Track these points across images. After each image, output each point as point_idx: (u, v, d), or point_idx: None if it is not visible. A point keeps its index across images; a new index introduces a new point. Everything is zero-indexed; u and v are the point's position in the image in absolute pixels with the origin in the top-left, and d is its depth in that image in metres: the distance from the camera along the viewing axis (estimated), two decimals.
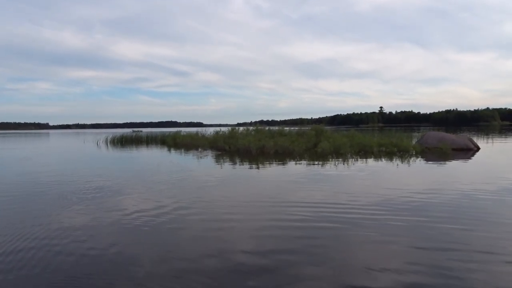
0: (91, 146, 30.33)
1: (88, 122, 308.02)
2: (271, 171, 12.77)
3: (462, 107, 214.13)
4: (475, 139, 25.96)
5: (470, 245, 4.80)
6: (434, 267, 4.11)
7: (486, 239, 5.05)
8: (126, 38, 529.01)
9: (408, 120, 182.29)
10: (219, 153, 20.09)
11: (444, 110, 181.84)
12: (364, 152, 18.34)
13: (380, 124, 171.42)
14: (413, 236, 5.24)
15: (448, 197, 7.75)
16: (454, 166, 13.41)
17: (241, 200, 7.91)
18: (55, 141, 45.94)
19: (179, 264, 4.29)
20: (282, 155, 17.86)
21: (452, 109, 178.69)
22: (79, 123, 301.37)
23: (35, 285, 3.79)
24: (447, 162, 14.37)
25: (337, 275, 3.94)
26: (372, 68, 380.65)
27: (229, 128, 27.18)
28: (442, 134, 20.50)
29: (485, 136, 35.02)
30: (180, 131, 34.46)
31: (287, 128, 26.57)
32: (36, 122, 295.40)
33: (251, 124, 27.06)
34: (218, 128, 30.96)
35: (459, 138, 20.06)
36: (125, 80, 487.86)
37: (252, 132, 24.41)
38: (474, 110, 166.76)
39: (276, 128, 26.14)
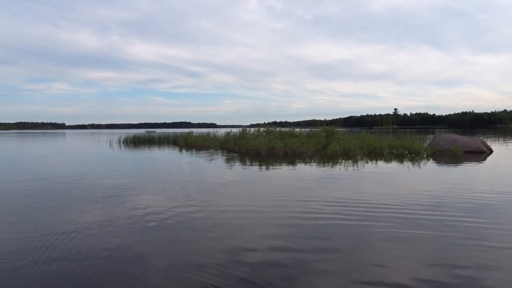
0: (104, 146, 30.83)
1: (103, 122, 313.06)
2: (281, 172, 12.82)
3: (479, 109, 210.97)
4: (490, 142, 25.60)
5: (486, 242, 4.92)
6: (448, 266, 4.19)
7: (502, 236, 5.18)
8: (141, 39, 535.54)
9: (423, 122, 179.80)
10: (229, 154, 20.21)
11: (460, 112, 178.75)
12: (374, 154, 18.27)
13: (394, 126, 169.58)
14: (428, 235, 5.32)
15: (460, 198, 7.75)
16: (465, 168, 13.23)
17: (253, 199, 8.01)
18: (70, 140, 46.78)
19: (198, 259, 4.48)
20: (291, 157, 17.91)
21: (468, 111, 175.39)
22: (95, 123, 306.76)
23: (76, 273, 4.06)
24: (458, 165, 14.20)
25: (352, 272, 4.05)
26: (387, 69, 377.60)
27: (240, 129, 27.33)
28: (454, 136, 20.23)
29: (501, 139, 34.38)
30: (192, 132, 34.79)
31: (298, 130, 26.57)
32: (53, 122, 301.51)
33: (264, 125, 27.06)
34: (230, 129, 31.15)
35: (472, 140, 19.77)
36: (140, 81, 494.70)
37: (263, 134, 24.51)
38: (491, 112, 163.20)
39: (287, 129, 26.16)
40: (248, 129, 27.21)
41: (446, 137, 20.14)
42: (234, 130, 28.85)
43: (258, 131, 25.75)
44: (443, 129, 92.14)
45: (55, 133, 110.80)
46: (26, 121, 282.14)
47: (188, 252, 4.74)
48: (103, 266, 4.30)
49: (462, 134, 24.82)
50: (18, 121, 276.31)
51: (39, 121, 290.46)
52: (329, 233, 5.47)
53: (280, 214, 6.65)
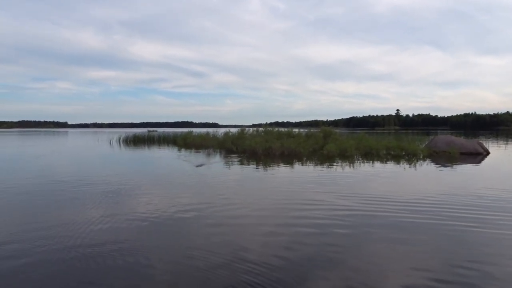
0: (104, 145, 30.97)
1: (106, 122, 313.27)
2: (275, 172, 12.88)
3: (481, 111, 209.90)
4: (489, 144, 25.54)
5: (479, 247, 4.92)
6: (446, 270, 4.20)
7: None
8: (144, 39, 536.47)
9: (425, 124, 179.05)
10: (227, 155, 20.25)
11: (462, 113, 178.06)
12: (370, 155, 18.30)
13: (396, 127, 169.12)
14: (428, 235, 5.42)
15: (455, 200, 7.81)
16: (457, 169, 13.24)
17: (248, 201, 7.97)
18: (72, 139, 46.94)
19: (200, 256, 4.54)
20: (288, 157, 17.96)
21: (470, 113, 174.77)
22: (97, 122, 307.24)
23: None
24: (451, 166, 14.20)
25: (350, 277, 3.97)
26: (390, 70, 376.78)
27: (239, 129, 27.45)
28: (451, 138, 20.24)
29: (502, 141, 34.26)
30: (192, 131, 34.85)
31: (296, 130, 26.63)
32: (55, 120, 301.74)
33: (265, 125, 27.19)
34: (228, 129, 31.20)
35: (468, 142, 19.77)
36: (143, 80, 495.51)
37: (261, 134, 24.56)
38: (494, 114, 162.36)
39: (285, 129, 26.23)
40: (247, 129, 27.32)
41: (443, 139, 20.15)
42: (234, 130, 28.92)
43: (257, 131, 25.83)
44: (445, 131, 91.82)
45: (57, 131, 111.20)
46: (28, 119, 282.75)
47: (190, 249, 4.80)
48: (108, 259, 4.44)
49: (463, 136, 24.81)
50: (20, 120, 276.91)
51: (42, 120, 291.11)
52: (329, 232, 5.55)
53: (276, 213, 6.75)
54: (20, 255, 4.56)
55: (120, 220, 6.18)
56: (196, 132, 34.34)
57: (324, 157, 17.55)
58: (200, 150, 23.15)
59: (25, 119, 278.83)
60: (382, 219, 6.27)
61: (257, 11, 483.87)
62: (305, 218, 6.32)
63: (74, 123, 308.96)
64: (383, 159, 16.74)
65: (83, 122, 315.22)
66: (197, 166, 14.13)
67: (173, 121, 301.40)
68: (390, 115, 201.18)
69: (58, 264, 4.31)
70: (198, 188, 9.45)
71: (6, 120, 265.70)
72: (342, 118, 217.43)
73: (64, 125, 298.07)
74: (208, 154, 20.08)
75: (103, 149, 26.10)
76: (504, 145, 27.40)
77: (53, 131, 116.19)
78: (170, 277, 4.00)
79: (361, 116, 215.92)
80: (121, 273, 4.08)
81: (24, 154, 22.33)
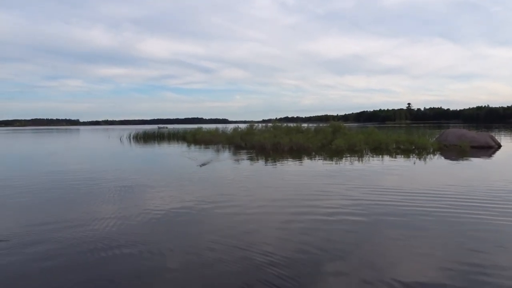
0: (114, 141, 31.32)
1: (117, 119, 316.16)
2: (284, 167, 12.91)
3: (494, 104, 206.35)
4: (503, 137, 25.19)
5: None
6: (457, 258, 4.20)
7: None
8: (154, 36, 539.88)
9: (438, 117, 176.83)
10: (236, 150, 20.33)
11: (475, 106, 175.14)
12: (380, 149, 18.20)
13: (408, 121, 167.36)
14: (440, 229, 5.31)
15: (464, 190, 7.85)
16: (468, 163, 13.11)
17: (260, 194, 8.03)
18: (84, 136, 47.66)
19: (210, 251, 4.53)
20: (296, 152, 17.97)
21: (483, 106, 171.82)
22: (108, 120, 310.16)
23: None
24: (462, 160, 14.07)
25: (363, 271, 3.93)
26: (401, 63, 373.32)
27: (248, 124, 27.49)
28: (462, 131, 20.02)
29: None
30: (201, 127, 35.02)
31: (305, 125, 26.57)
32: (67, 118, 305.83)
33: (275, 120, 27.22)
34: (237, 125, 31.28)
35: (479, 135, 19.52)
36: (153, 77, 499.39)
37: (270, 129, 24.58)
38: (507, 106, 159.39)
39: (294, 124, 26.19)
40: (256, 124, 27.35)
41: (454, 132, 19.94)
42: (243, 126, 28.98)
43: (266, 126, 25.87)
44: (457, 124, 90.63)
45: (69, 129, 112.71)
46: (41, 117, 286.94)
47: (207, 242, 4.81)
48: (125, 255, 4.49)
49: (476, 129, 24.46)
50: (33, 118, 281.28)
51: (54, 118, 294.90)
52: (342, 221, 5.65)
53: (289, 205, 6.84)
54: (39, 252, 4.64)
55: (133, 215, 6.23)
56: (205, 128, 34.50)
57: (333, 152, 17.51)
58: (209, 146, 23.29)
59: (38, 117, 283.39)
60: (393, 209, 6.35)
61: (267, 6, 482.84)
62: (317, 210, 6.33)
63: (85, 120, 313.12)
64: (393, 153, 16.64)
65: (94, 119, 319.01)
66: (201, 166, 12.90)
67: (183, 117, 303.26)
68: (401, 109, 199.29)
69: (75, 260, 4.37)
70: (208, 183, 9.56)
71: (20, 118, 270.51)
72: (352, 113, 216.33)
73: (75, 122, 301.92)
74: (217, 150, 20.19)
75: (114, 145, 26.40)
76: None
77: (65, 129, 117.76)
78: (185, 271, 4.03)
79: (371, 110, 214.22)
80: (137, 268, 4.10)
81: (39, 150, 22.72)
